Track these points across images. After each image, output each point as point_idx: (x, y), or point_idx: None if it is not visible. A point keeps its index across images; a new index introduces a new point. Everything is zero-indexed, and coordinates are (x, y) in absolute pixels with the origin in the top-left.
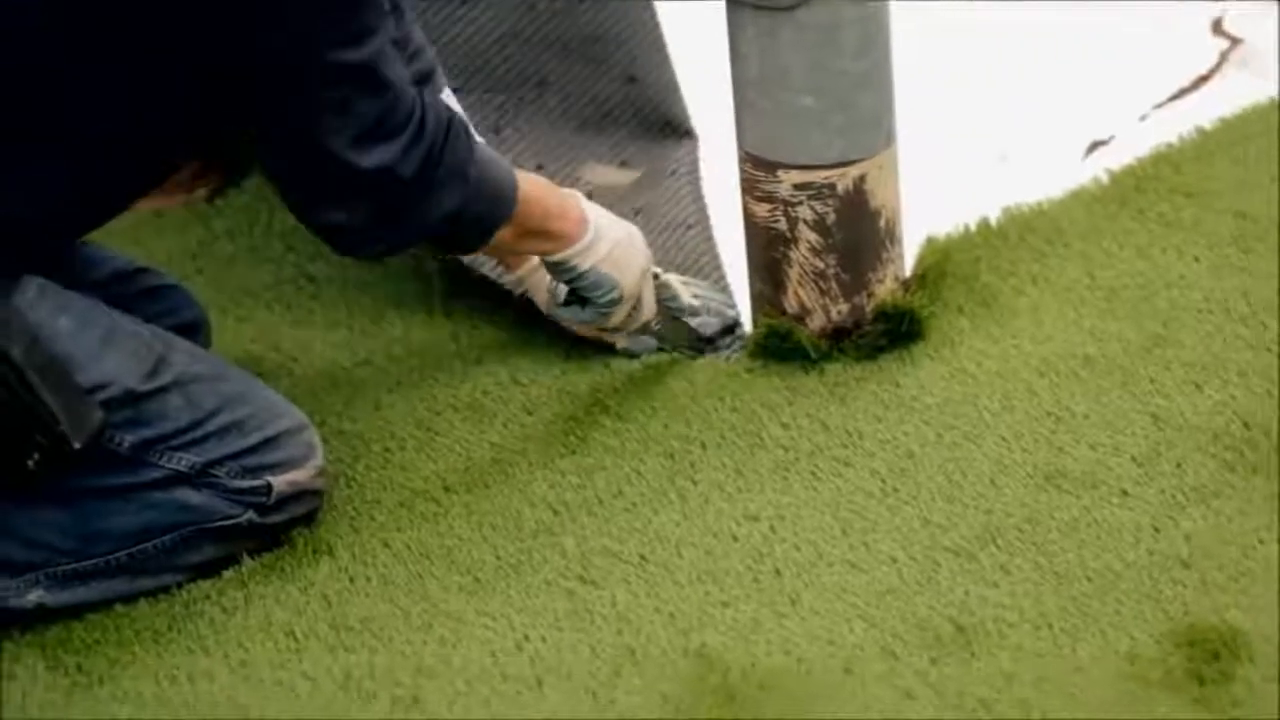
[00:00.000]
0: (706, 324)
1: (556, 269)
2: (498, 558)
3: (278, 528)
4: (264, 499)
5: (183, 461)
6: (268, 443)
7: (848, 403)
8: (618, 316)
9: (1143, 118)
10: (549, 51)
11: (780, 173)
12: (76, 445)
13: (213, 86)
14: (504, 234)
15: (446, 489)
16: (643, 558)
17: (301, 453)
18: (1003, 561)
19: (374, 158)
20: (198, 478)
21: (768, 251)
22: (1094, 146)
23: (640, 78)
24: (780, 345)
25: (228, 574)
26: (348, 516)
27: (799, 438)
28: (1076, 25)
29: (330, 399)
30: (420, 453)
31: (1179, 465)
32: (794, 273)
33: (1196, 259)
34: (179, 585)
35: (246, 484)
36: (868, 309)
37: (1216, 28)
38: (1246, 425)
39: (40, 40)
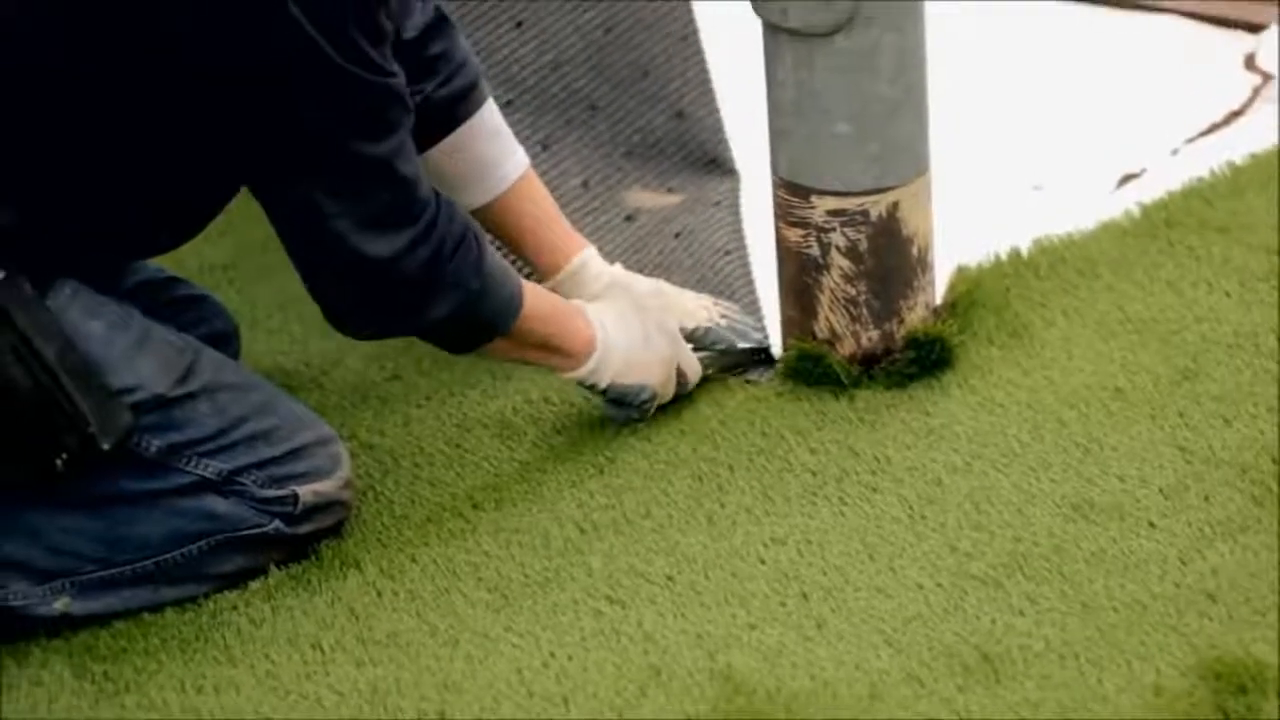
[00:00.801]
0: (732, 345)
1: (579, 384)
2: (525, 575)
3: (305, 539)
4: (290, 508)
5: (209, 468)
6: (294, 453)
7: (876, 429)
8: (659, 402)
9: (1175, 151)
10: (600, 79)
11: (814, 198)
12: (105, 446)
13: (236, 155)
14: (501, 345)
15: (475, 505)
16: (670, 578)
17: (328, 464)
18: (1029, 591)
19: (378, 247)
20: (224, 485)
21: (800, 277)
22: (1126, 179)
23: (688, 114)
24: (812, 369)
25: (254, 585)
26: (376, 531)
27: (827, 462)
28: (1110, 58)
29: (360, 413)
30: (449, 469)
31: (1207, 498)
32: (825, 298)
33: (1227, 293)
34: (205, 596)
35: (273, 493)
36: (898, 336)
37: (1249, 63)
38: (1274, 460)
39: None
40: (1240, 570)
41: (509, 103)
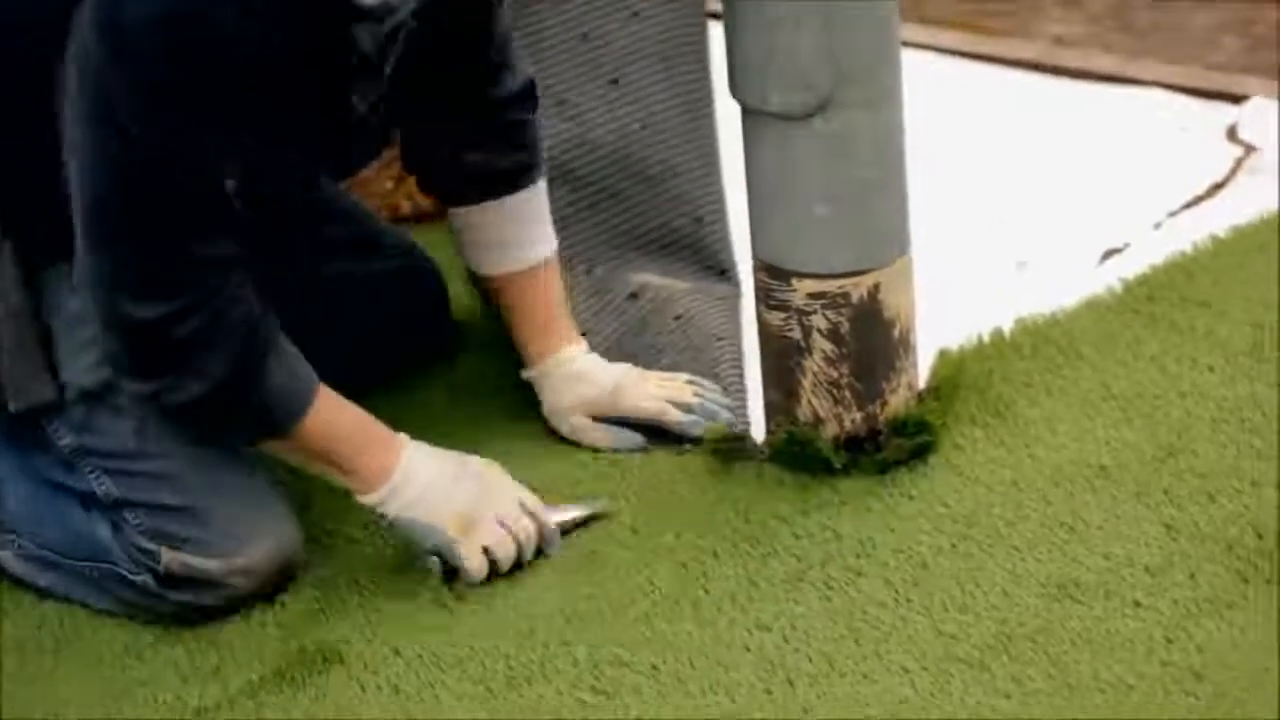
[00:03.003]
0: (695, 424)
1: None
2: (510, 667)
3: (190, 609)
4: (155, 566)
5: (103, 485)
6: (190, 512)
7: (861, 512)
8: (470, 571)
9: (1157, 225)
10: (625, 172)
11: (794, 281)
12: (12, 409)
13: None
14: (279, 446)
15: (458, 597)
16: (655, 667)
17: (222, 542)
18: (1015, 672)
19: (143, 310)
20: (110, 510)
21: (781, 360)
22: (1108, 254)
23: (705, 222)
24: (800, 452)
25: (236, 684)
26: (359, 624)
27: (811, 547)
28: (1091, 132)
29: (348, 503)
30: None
31: (1192, 576)
32: (808, 381)
33: (1210, 368)
34: (124, 615)
35: (144, 545)
36: (881, 418)
37: (1231, 134)
38: (1260, 535)
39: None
40: (1227, 648)
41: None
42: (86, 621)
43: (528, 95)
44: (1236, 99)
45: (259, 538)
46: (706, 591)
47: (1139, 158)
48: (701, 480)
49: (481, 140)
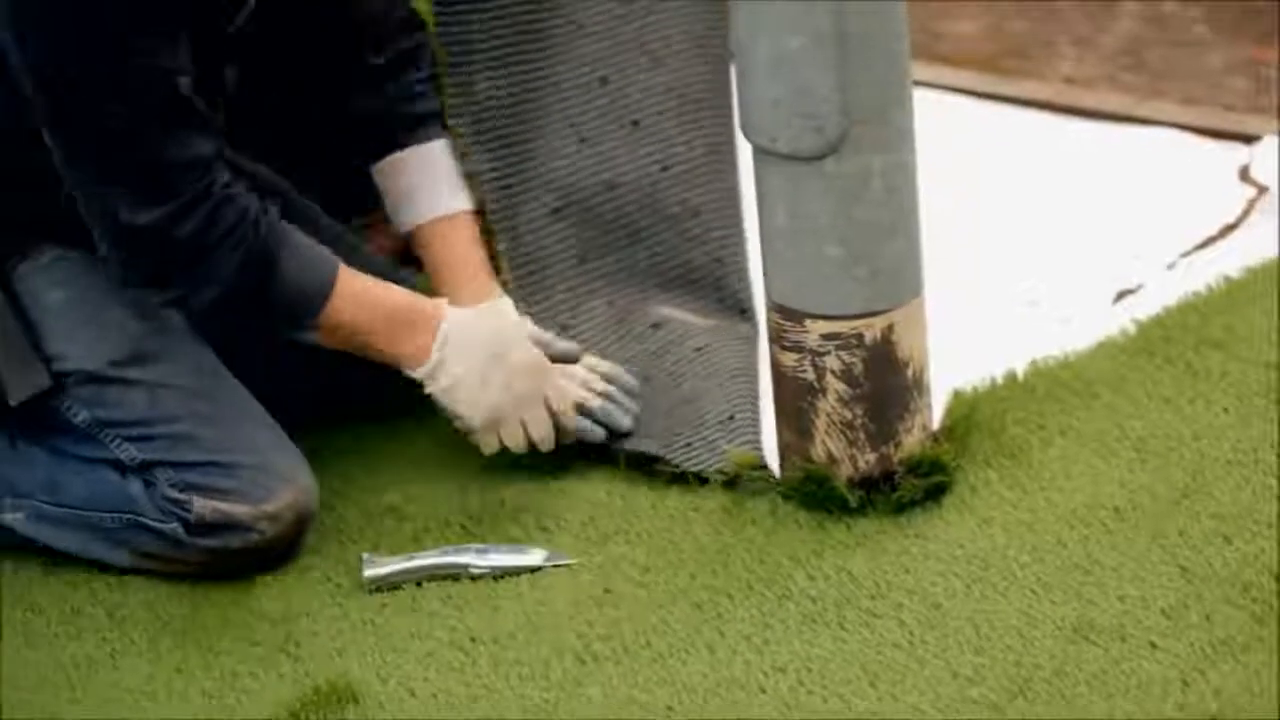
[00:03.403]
0: (591, 432)
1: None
2: (524, 708)
3: (215, 555)
4: (186, 515)
5: (127, 452)
6: (215, 465)
7: (875, 554)
8: (485, 447)
9: (1170, 265)
10: (646, 210)
11: (808, 322)
12: (12, 402)
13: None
14: (320, 338)
15: (473, 639)
16: (670, 709)
17: (250, 489)
18: (1031, 715)
19: (140, 216)
20: (140, 471)
21: (795, 401)
22: (1122, 295)
23: (726, 262)
24: (815, 491)
25: None
26: (374, 665)
27: (826, 589)
28: (1104, 172)
29: (362, 543)
30: (446, 603)
31: (1208, 618)
32: (821, 422)
33: (1225, 409)
34: (133, 570)
35: (175, 495)
36: (895, 459)
37: (1244, 175)
38: (1276, 578)
39: None
40: (1242, 691)
41: (557, 210)
42: (105, 660)
43: (416, 54)
44: (1249, 139)
45: (282, 485)
46: (721, 633)
47: (1152, 198)
48: (715, 519)
49: (365, 94)
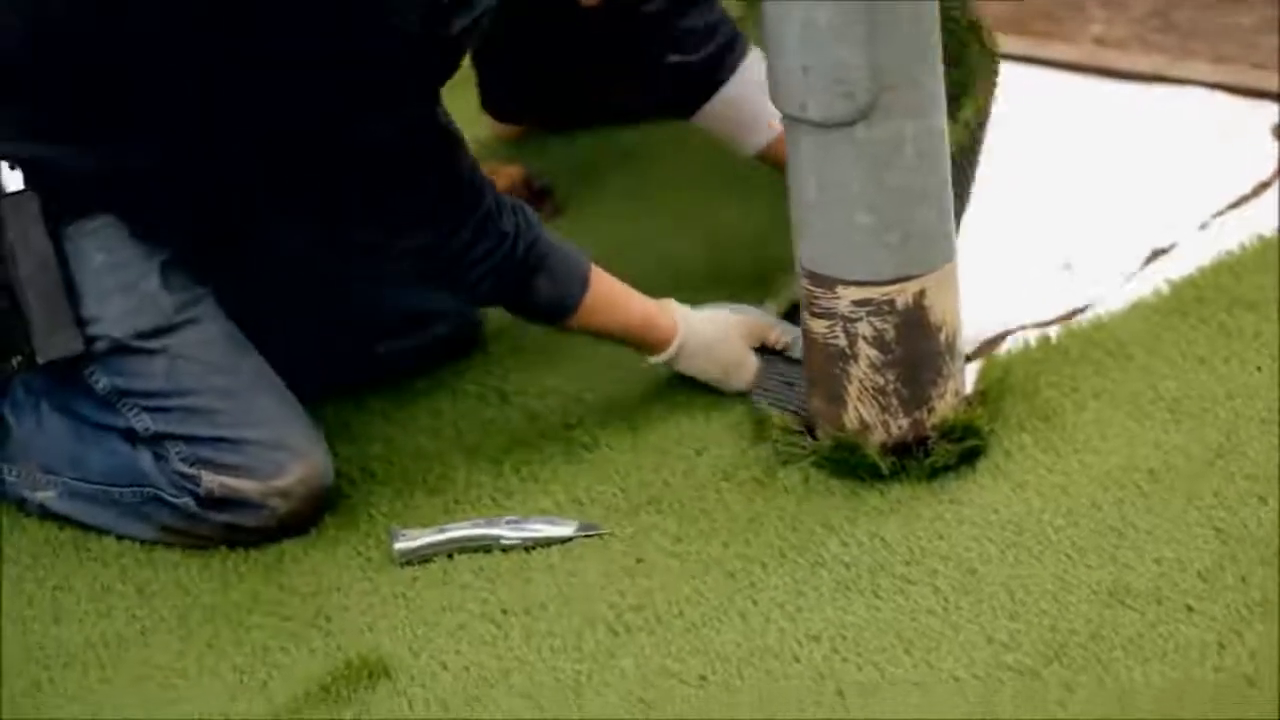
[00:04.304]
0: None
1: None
2: (557, 679)
3: (228, 530)
4: (196, 490)
5: (141, 422)
6: (227, 441)
7: (909, 520)
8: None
9: (1203, 225)
10: None
11: (839, 289)
12: (40, 361)
13: None
14: (572, 326)
15: (505, 611)
16: (703, 678)
17: (261, 466)
18: (1067, 679)
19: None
20: (152, 443)
21: (827, 368)
22: (1155, 254)
23: None
24: (848, 458)
25: (281, 699)
26: (405, 639)
27: (860, 555)
28: (1136, 132)
29: (394, 520)
30: (478, 575)
31: (1244, 579)
32: (854, 389)
33: (1259, 369)
34: (157, 544)
35: (186, 469)
36: (928, 424)
37: (1276, 133)
38: None
39: None
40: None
41: None
42: (136, 637)
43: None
44: None
45: (293, 462)
46: (754, 602)
47: (1183, 158)
48: (747, 488)
49: (662, 49)
